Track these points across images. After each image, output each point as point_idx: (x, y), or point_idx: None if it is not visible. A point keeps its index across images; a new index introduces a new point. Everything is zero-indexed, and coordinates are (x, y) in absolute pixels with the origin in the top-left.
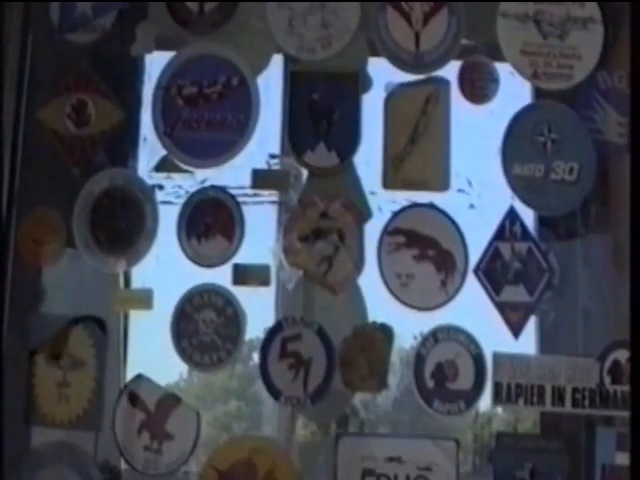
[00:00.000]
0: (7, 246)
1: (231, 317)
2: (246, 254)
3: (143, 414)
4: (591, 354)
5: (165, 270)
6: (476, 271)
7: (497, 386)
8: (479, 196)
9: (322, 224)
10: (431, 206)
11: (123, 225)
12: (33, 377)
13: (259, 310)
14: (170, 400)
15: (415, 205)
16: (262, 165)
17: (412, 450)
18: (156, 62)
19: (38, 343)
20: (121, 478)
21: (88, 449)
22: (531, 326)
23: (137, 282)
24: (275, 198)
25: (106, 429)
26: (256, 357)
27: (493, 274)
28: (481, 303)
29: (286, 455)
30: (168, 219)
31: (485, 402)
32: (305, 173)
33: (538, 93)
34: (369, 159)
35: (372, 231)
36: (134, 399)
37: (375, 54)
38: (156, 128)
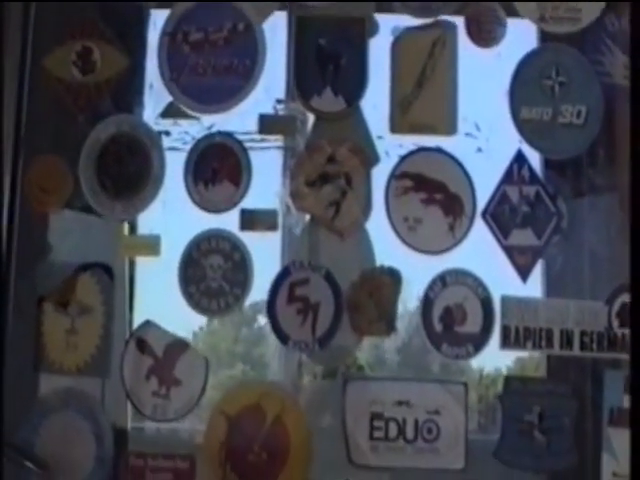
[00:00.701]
0: (14, 195)
1: (238, 262)
2: (253, 199)
3: (151, 360)
4: (599, 298)
5: (172, 216)
6: (484, 215)
7: (505, 330)
8: (487, 140)
9: (329, 169)
10: (438, 150)
11: (130, 171)
12: (41, 325)
13: (266, 255)
14: (178, 345)
15: (422, 149)
16: (269, 110)
17: (421, 394)
18: (161, 9)
19: (46, 291)
20: (128, 437)
21: (96, 395)
22: (539, 270)
23: (144, 228)
24: (282, 143)
25: (114, 375)
26: (261, 319)
27: (501, 218)
28: (489, 247)
29: (295, 400)
30: (175, 165)
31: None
32: (312, 118)
33: (545, 37)
34: (376, 103)
35: (379, 175)
36: (142, 345)
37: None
38: (162, 74)
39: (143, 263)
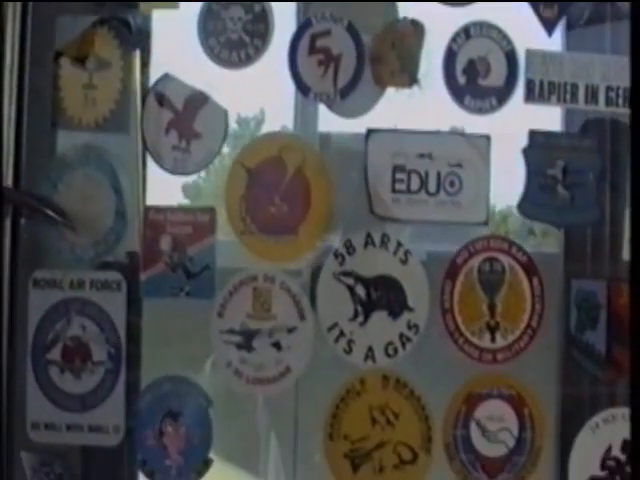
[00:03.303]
0: None
1: (259, 14)
2: None
3: (171, 113)
4: (622, 54)
5: None
6: None
7: (530, 83)
8: None
9: None
10: None
11: None
12: (59, 80)
13: (287, 6)
14: (198, 98)
15: None
16: None
17: (443, 146)
18: None
19: (63, 45)
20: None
21: (115, 151)
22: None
23: None
24: None
25: (133, 131)
26: None
27: None
28: None
29: (316, 151)
30: None
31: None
32: None
33: None
34: None
35: None
36: (161, 99)
37: None
38: None
39: (161, 16)
